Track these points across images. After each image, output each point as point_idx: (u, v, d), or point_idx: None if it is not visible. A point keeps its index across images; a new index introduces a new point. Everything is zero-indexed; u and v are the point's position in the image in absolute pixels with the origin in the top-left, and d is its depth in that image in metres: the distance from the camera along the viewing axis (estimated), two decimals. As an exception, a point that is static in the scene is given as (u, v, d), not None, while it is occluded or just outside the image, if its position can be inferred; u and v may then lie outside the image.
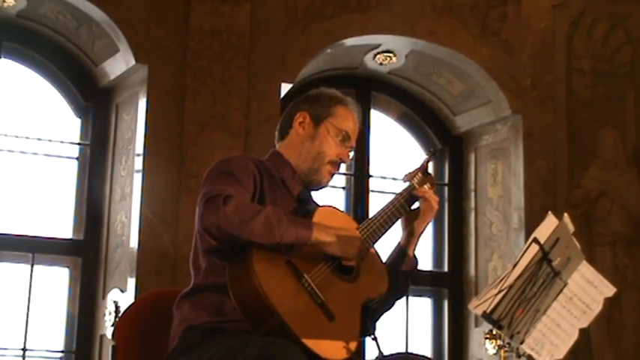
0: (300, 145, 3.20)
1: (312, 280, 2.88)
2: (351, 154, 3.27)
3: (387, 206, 3.17)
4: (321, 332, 2.84)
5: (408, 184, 3.25)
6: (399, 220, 3.23)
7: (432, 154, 3.37)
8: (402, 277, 3.20)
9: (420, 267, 6.54)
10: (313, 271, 2.90)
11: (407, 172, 3.27)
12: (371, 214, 3.26)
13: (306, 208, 3.10)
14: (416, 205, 3.24)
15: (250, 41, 5.65)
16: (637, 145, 6.46)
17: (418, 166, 3.29)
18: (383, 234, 3.12)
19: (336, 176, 6.18)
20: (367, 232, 3.07)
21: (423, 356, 3.11)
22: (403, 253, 3.23)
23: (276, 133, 3.32)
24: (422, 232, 3.24)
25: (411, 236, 3.23)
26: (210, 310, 2.93)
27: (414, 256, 3.26)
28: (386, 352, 2.99)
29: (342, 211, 3.15)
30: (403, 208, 3.19)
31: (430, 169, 3.35)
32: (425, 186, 3.25)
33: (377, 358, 2.95)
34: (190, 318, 2.96)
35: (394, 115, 6.66)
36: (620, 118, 6.47)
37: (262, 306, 2.77)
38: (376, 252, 3.16)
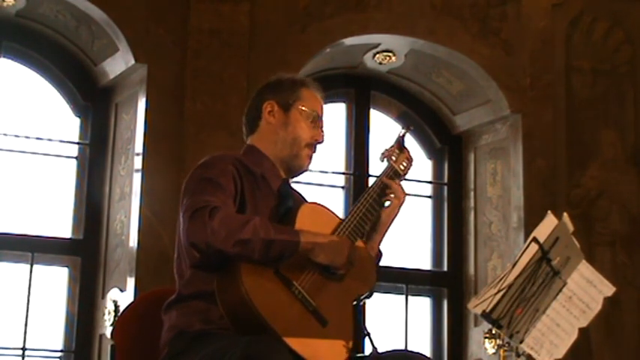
0: (275, 134, 3.19)
1: (302, 286, 2.87)
2: (323, 133, 3.24)
3: (366, 194, 3.14)
4: (315, 340, 2.83)
5: (386, 163, 3.23)
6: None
7: (407, 128, 3.33)
8: None
9: (419, 266, 6.58)
10: (302, 278, 2.88)
11: (383, 150, 3.26)
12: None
13: (287, 205, 3.08)
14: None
15: (250, 40, 5.65)
16: (636, 144, 6.45)
17: (393, 142, 3.27)
18: (367, 225, 3.09)
19: (335, 176, 6.25)
20: (351, 226, 3.05)
21: (421, 354, 3.10)
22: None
23: (244, 127, 3.31)
24: (388, 226, 3.18)
25: (376, 229, 3.18)
26: (198, 317, 2.91)
27: (379, 250, 3.20)
28: (384, 350, 2.98)
29: (324, 207, 3.12)
30: (383, 191, 3.16)
31: (407, 143, 3.30)
32: (402, 163, 3.23)
33: (371, 354, 2.94)
34: (179, 324, 2.95)
35: (393, 115, 6.66)
36: (619, 118, 6.47)
37: (255, 321, 2.76)
38: (363, 245, 3.12)
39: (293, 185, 3.28)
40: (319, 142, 3.21)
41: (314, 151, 3.22)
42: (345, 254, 2.94)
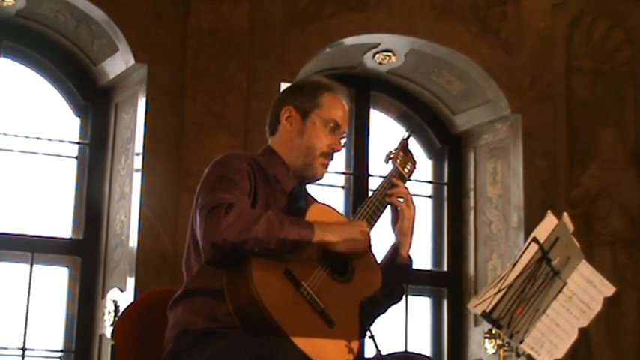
0: (290, 142, 3.16)
1: (311, 287, 2.87)
2: (343, 140, 3.21)
3: (373, 195, 3.15)
4: (322, 341, 2.83)
5: (391, 166, 3.24)
6: (390, 221, 3.21)
7: (411, 131, 3.33)
8: (395, 279, 3.17)
9: (419, 266, 6.58)
10: (310, 278, 2.88)
11: (388, 153, 3.25)
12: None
13: (298, 205, 3.08)
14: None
15: (249, 40, 5.65)
16: (636, 144, 6.46)
17: (398, 145, 3.27)
18: (374, 225, 3.10)
19: (335, 175, 6.26)
20: None
21: (423, 355, 3.10)
22: (396, 253, 3.19)
23: (266, 128, 3.28)
24: (412, 230, 3.19)
25: (401, 236, 3.19)
26: (204, 314, 2.92)
27: (409, 256, 3.22)
28: (386, 352, 2.99)
29: (333, 208, 3.12)
30: (386, 196, 3.17)
31: (411, 146, 3.31)
32: (407, 166, 3.24)
33: (375, 356, 2.95)
34: (184, 322, 2.95)
35: (393, 115, 6.66)
36: (619, 118, 6.48)
37: (264, 321, 2.76)
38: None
39: (307, 188, 3.28)
40: (336, 151, 3.19)
41: (330, 159, 3.19)
42: (363, 238, 2.96)
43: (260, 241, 2.80)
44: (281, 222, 2.84)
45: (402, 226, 3.18)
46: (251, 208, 2.96)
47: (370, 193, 3.20)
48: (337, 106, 3.21)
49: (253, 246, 2.80)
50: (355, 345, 2.91)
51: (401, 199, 3.18)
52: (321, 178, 3.22)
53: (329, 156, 3.18)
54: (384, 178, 3.22)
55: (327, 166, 3.20)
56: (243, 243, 2.80)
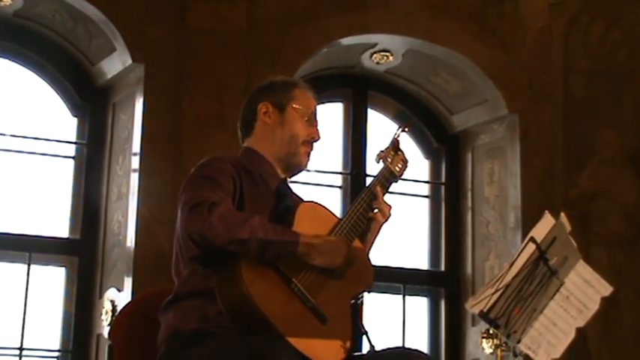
0: (272, 134, 3.20)
1: (302, 284, 2.88)
2: (319, 131, 3.24)
3: (363, 194, 3.14)
4: (315, 337, 2.84)
5: (382, 164, 3.23)
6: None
7: (402, 129, 3.31)
8: None
9: (416, 266, 6.57)
10: (301, 275, 2.89)
11: (379, 152, 3.25)
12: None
13: (285, 203, 3.08)
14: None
15: (247, 40, 5.65)
16: (633, 144, 6.46)
17: (389, 144, 3.26)
18: (363, 224, 3.09)
19: (332, 175, 6.25)
20: (348, 225, 3.05)
21: (418, 351, 3.10)
22: None
23: (239, 131, 3.32)
24: (375, 237, 3.18)
25: (365, 244, 3.17)
26: (195, 315, 2.91)
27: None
28: (381, 348, 2.99)
29: (323, 206, 3.12)
30: (375, 197, 3.16)
31: (402, 144, 3.30)
32: (398, 165, 3.23)
33: (369, 351, 2.95)
34: (176, 323, 2.95)
35: (391, 115, 6.66)
36: (616, 118, 6.48)
37: (255, 317, 2.77)
38: (361, 244, 3.12)
39: (291, 186, 3.28)
40: (316, 140, 3.22)
41: (311, 149, 3.23)
42: (342, 255, 2.95)
43: (241, 248, 2.81)
44: (265, 232, 2.84)
45: (371, 230, 3.16)
46: (236, 211, 2.96)
47: (363, 191, 3.18)
48: (309, 99, 3.26)
49: (234, 249, 2.81)
50: (348, 341, 2.92)
51: (377, 211, 3.15)
52: (305, 168, 3.24)
53: (310, 145, 3.21)
54: (375, 177, 3.22)
55: (309, 155, 3.22)
56: (225, 245, 2.81)
